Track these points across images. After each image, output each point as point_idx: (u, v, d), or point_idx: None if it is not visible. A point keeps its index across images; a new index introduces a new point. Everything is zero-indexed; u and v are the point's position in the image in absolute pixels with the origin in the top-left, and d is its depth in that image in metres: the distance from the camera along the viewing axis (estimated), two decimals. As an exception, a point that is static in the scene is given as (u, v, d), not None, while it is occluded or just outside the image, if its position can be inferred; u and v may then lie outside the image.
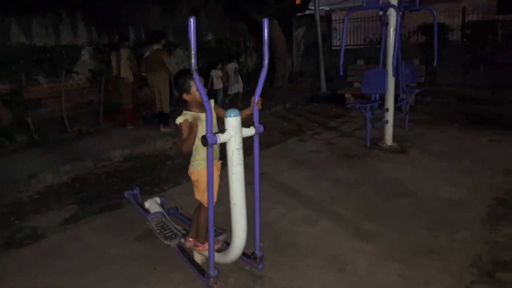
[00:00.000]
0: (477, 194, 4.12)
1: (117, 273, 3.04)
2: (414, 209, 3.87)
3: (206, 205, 2.78)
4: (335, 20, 13.31)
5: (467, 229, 3.43)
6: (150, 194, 4.48)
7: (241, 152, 2.43)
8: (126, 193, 3.63)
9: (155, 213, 3.23)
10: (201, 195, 2.76)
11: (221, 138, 2.33)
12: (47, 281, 3.00)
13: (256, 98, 2.50)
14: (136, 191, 3.59)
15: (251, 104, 2.53)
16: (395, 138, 5.91)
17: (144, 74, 7.15)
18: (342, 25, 5.90)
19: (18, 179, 4.94)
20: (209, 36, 9.96)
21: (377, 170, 5.00)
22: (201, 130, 2.57)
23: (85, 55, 7.49)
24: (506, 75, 9.08)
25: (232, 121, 2.37)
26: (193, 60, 2.11)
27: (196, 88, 2.37)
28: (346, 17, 5.30)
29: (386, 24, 5.49)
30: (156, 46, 6.80)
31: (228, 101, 9.07)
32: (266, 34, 2.41)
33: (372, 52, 10.67)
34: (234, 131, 2.37)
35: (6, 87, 6.51)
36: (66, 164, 5.37)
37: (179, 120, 2.62)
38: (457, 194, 4.14)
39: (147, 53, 6.92)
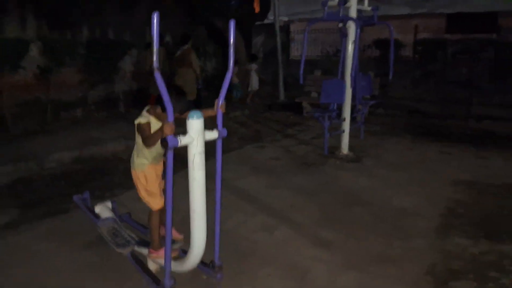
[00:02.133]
0: (430, 203, 4.25)
1: (64, 286, 2.80)
2: (370, 218, 3.93)
3: (152, 209, 2.81)
4: (294, 31, 13.51)
5: (422, 238, 3.51)
6: (101, 199, 4.23)
7: (203, 156, 2.32)
8: (75, 197, 3.38)
9: (107, 218, 3.03)
10: (143, 197, 2.80)
11: (182, 140, 2.21)
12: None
13: (221, 101, 2.42)
14: (86, 195, 3.36)
15: (215, 107, 2.44)
16: (350, 147, 6.02)
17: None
18: (301, 36, 5.95)
19: (-49, 180, 4.51)
20: (166, 38, 9.72)
21: (334, 179, 5.05)
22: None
23: (34, 50, 7.04)
24: (454, 90, 9.61)
25: (195, 123, 2.26)
26: (155, 57, 1.98)
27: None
28: (307, 28, 5.35)
29: (345, 36, 5.60)
30: (186, 46, 7.77)
31: (240, 96, 10.26)
32: (232, 36, 2.34)
33: (328, 64, 10.93)
34: (196, 134, 2.27)
35: None
36: (7, 164, 4.98)
37: (142, 120, 2.55)
38: (411, 203, 4.26)
39: (178, 52, 7.84)
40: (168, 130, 2.13)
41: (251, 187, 4.69)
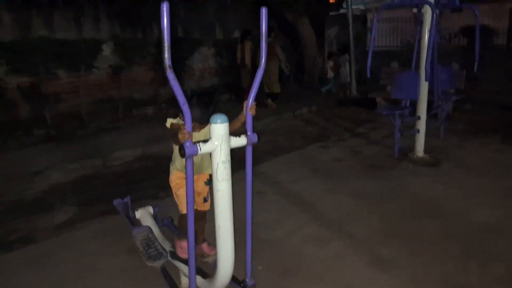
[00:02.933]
0: (519, 219, 3.56)
1: (95, 289, 2.75)
2: (443, 234, 3.37)
3: (180, 212, 2.73)
4: (371, 20, 12.65)
5: (504, 262, 2.91)
6: (153, 199, 4.20)
7: (228, 165, 2.05)
8: (115, 201, 3.32)
9: (142, 228, 2.90)
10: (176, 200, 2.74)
11: (203, 148, 1.96)
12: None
13: (250, 102, 2.13)
14: (127, 199, 3.28)
15: (243, 110, 2.15)
16: (427, 149, 5.34)
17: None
18: (379, 25, 5.39)
19: (24, 175, 4.80)
20: (236, 34, 9.63)
21: (404, 185, 4.49)
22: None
23: (106, 50, 7.34)
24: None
25: (218, 128, 1.99)
26: (166, 55, 1.76)
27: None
28: (376, 15, 4.82)
29: (421, 23, 4.95)
30: (269, 39, 7.95)
31: (335, 91, 10.41)
32: (264, 26, 2.03)
33: (408, 55, 10.00)
34: (219, 140, 2.00)
35: (25, 80, 6.44)
36: (74, 162, 5.19)
37: (168, 123, 2.48)
38: (494, 218, 3.60)
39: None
40: (181, 138, 1.90)
41: (308, 191, 4.34)
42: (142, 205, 3.41)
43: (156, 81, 8.22)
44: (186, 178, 1.99)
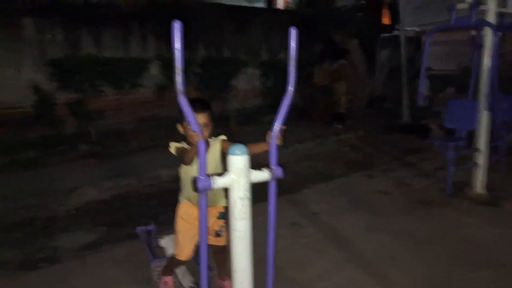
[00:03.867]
0: None
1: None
2: (498, 287, 2.90)
3: (175, 255, 2.58)
4: (423, 42, 12.08)
5: None
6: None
7: (247, 202, 1.81)
8: (138, 229, 3.17)
9: (162, 260, 2.72)
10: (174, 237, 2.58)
11: (218, 182, 1.74)
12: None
13: (276, 131, 1.89)
14: (151, 227, 3.11)
15: (267, 139, 1.92)
16: (485, 185, 4.80)
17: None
18: (434, 48, 5.03)
19: (61, 191, 4.82)
20: (281, 55, 9.49)
21: (456, 225, 4.00)
22: (194, 169, 2.15)
23: (152, 69, 7.42)
24: None
25: (237, 160, 1.77)
26: (178, 78, 1.57)
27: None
28: (428, 37, 4.45)
29: (479, 46, 4.51)
30: (341, 61, 8.80)
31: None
32: (292, 48, 1.81)
33: (465, 80, 9.34)
34: (238, 174, 1.77)
35: (74, 97, 6.61)
36: (110, 179, 5.17)
37: (172, 148, 2.39)
38: None
39: (334, 66, 8.94)
40: (193, 137, 1.73)
41: (346, 227, 3.98)
42: (171, 230, 3.23)
43: (199, 101, 8.20)
44: (200, 215, 1.78)
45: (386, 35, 11.95)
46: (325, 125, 8.85)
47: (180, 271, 2.76)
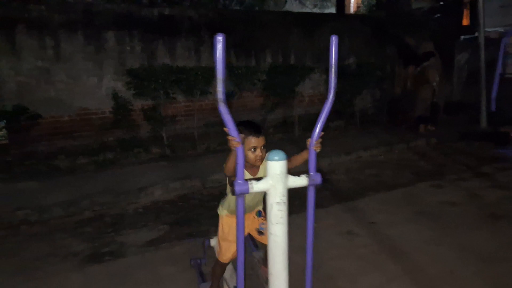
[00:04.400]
0: None
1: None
2: None
3: (218, 258, 2.67)
4: (509, 44, 11.08)
5: None
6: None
7: (284, 207, 1.85)
8: (192, 261, 3.35)
9: (209, 283, 2.85)
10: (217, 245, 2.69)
11: (255, 187, 1.81)
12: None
13: (315, 137, 1.91)
14: (204, 261, 3.28)
15: (307, 146, 1.95)
16: None
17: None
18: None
19: (130, 190, 5.21)
20: (351, 60, 9.32)
21: (532, 243, 3.66)
22: None
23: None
24: None
25: (274, 166, 1.82)
26: (220, 88, 1.67)
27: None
28: (504, 40, 4.12)
29: None
30: (427, 63, 8.61)
31: None
32: (333, 56, 1.82)
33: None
34: (275, 179, 1.83)
35: (149, 103, 7.11)
36: (177, 180, 5.47)
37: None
38: None
39: (418, 69, 8.79)
40: (232, 144, 1.85)
41: (406, 238, 3.82)
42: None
43: (264, 107, 8.36)
44: (237, 218, 1.86)
45: (467, 36, 11.19)
46: (410, 129, 8.66)
47: (228, 272, 2.86)
